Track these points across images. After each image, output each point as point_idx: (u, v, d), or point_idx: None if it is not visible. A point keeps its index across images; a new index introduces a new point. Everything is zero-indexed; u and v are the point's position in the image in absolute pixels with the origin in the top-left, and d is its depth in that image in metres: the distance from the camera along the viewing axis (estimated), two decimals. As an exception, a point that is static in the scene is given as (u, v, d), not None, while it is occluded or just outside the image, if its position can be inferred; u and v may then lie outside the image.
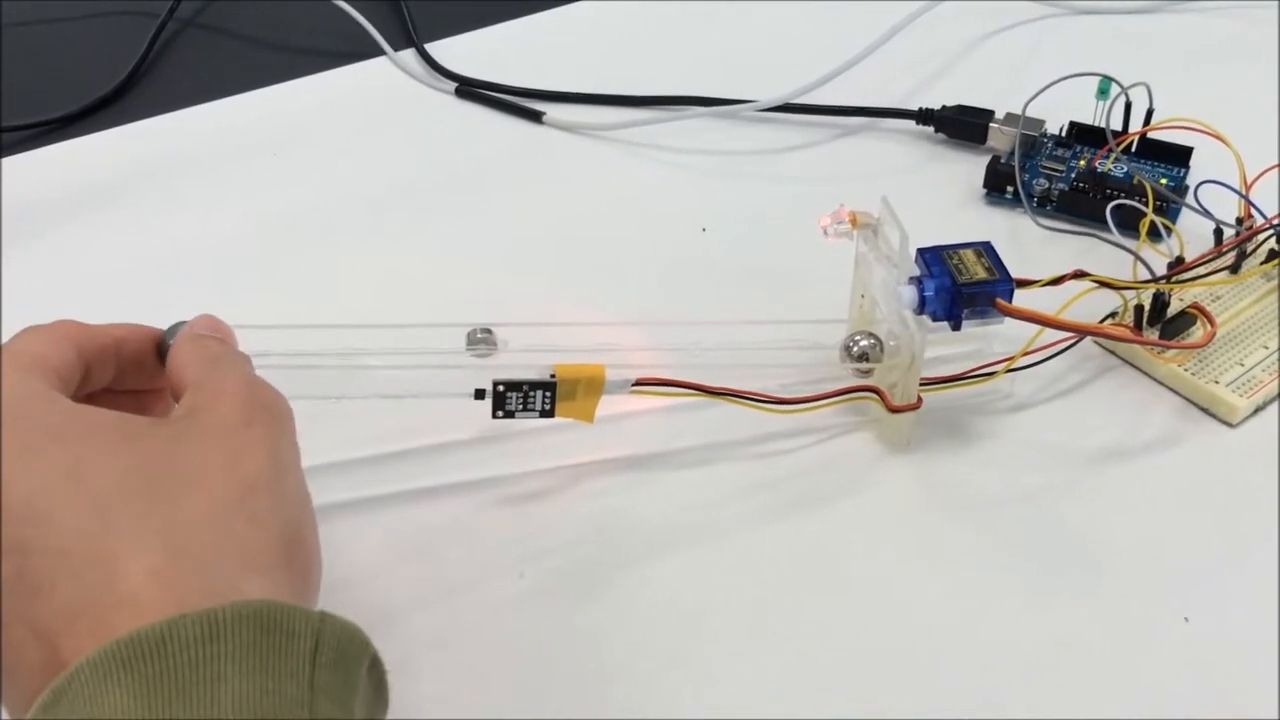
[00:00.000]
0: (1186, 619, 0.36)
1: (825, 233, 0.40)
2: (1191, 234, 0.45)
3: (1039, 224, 0.50)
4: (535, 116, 0.58)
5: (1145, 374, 0.43)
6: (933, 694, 0.34)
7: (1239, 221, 0.45)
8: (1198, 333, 0.43)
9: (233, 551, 0.27)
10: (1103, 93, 0.49)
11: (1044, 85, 0.50)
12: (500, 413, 0.37)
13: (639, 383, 0.38)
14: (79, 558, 0.26)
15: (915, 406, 0.40)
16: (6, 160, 0.56)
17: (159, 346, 0.35)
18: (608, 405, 0.38)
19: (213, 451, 0.28)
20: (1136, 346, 0.43)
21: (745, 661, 0.35)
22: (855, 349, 0.40)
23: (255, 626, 0.24)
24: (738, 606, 0.36)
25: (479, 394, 0.37)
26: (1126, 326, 0.43)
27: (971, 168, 0.53)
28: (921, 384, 0.40)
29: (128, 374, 0.34)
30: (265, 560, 0.27)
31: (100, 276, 0.49)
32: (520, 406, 0.37)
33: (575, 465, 0.40)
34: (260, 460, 0.29)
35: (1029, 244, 0.49)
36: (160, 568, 0.26)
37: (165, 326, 0.35)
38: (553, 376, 0.37)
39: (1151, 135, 0.51)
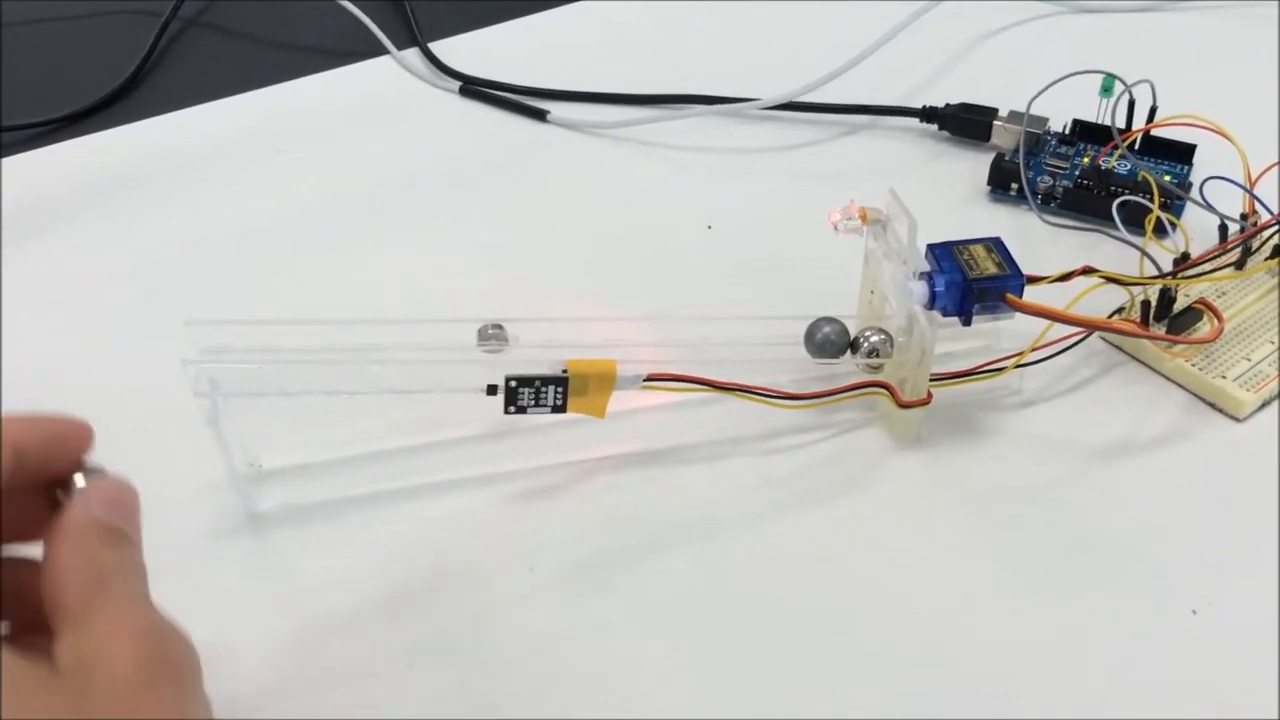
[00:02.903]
0: (1194, 611, 0.36)
1: (835, 228, 0.40)
2: (1197, 230, 0.45)
3: (1044, 221, 0.50)
4: (540, 115, 0.59)
5: (1152, 369, 0.43)
6: (941, 687, 0.34)
7: (1244, 217, 0.46)
8: (1204, 328, 0.43)
9: None
10: (1106, 90, 0.49)
11: (1048, 83, 0.50)
12: (512, 408, 0.37)
13: (650, 378, 0.38)
14: None
15: (925, 402, 0.40)
16: (11, 159, 0.56)
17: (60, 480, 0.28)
18: (618, 401, 0.38)
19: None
20: (1143, 342, 0.43)
21: (755, 657, 0.35)
22: (865, 344, 0.40)
23: None
24: (747, 601, 0.37)
25: (491, 389, 0.37)
26: (1134, 322, 0.43)
27: (975, 165, 0.54)
28: (931, 379, 0.40)
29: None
30: None
31: (105, 276, 0.49)
32: (532, 401, 0.37)
33: (586, 460, 0.40)
34: None
35: (1034, 241, 0.49)
36: None
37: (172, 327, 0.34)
38: (565, 372, 0.37)
39: (1155, 132, 0.51)
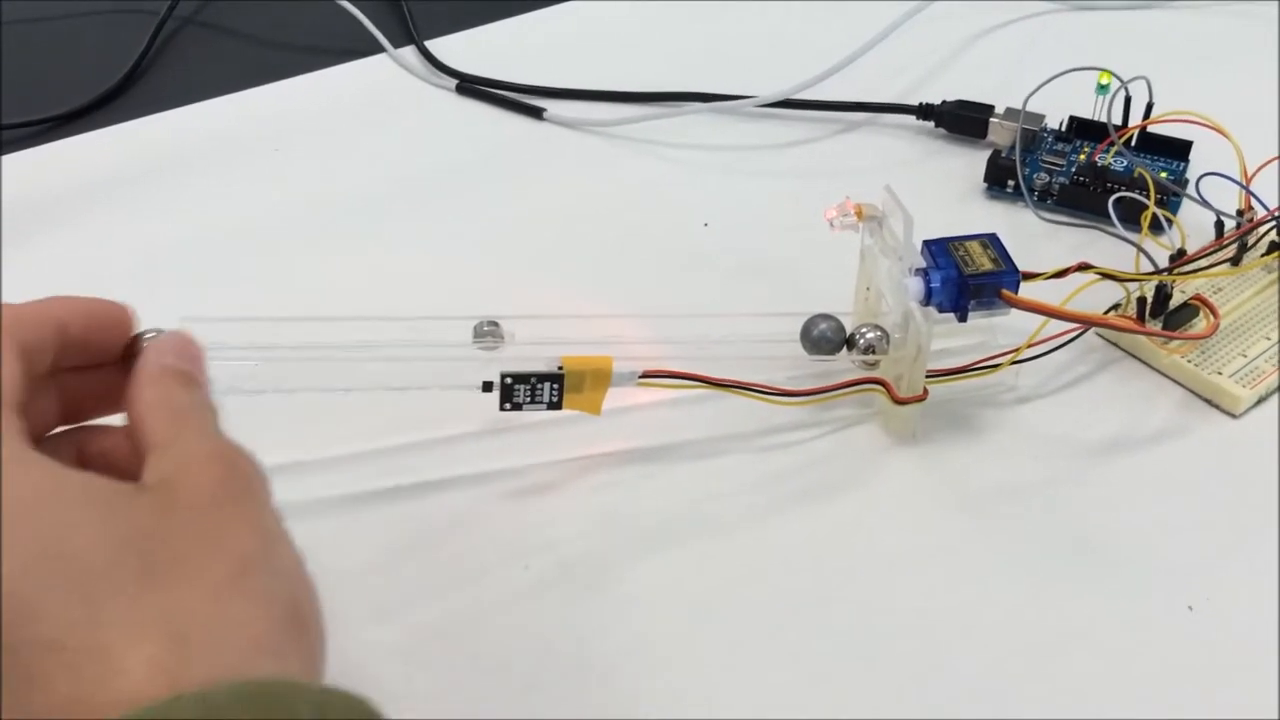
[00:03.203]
0: (1190, 608, 0.36)
1: (831, 225, 0.40)
2: (1193, 226, 0.45)
3: (1040, 217, 0.50)
4: (536, 113, 0.59)
5: (1148, 366, 0.43)
6: (938, 685, 0.34)
7: (1240, 214, 0.46)
8: (1200, 324, 0.43)
9: (237, 635, 0.25)
10: (1103, 87, 0.49)
11: (1044, 80, 0.50)
12: (508, 405, 0.37)
13: (646, 375, 0.38)
14: (73, 651, 0.24)
15: (921, 398, 0.40)
16: (7, 158, 0.56)
17: (127, 346, 0.32)
18: (614, 398, 0.38)
19: (197, 529, 0.27)
20: (1139, 338, 0.43)
21: (751, 654, 0.35)
22: (861, 341, 0.40)
23: (253, 706, 0.23)
24: (743, 599, 0.37)
25: (486, 386, 0.37)
26: (1130, 318, 0.43)
27: (972, 162, 0.54)
28: (927, 376, 0.40)
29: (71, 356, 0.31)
30: (271, 641, 0.26)
31: (103, 274, 0.49)
32: (528, 399, 0.37)
33: (581, 458, 0.40)
34: (248, 535, 0.27)
35: (1031, 238, 0.49)
36: (161, 657, 0.24)
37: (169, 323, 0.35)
38: (560, 369, 0.37)
39: (1152, 129, 0.51)
